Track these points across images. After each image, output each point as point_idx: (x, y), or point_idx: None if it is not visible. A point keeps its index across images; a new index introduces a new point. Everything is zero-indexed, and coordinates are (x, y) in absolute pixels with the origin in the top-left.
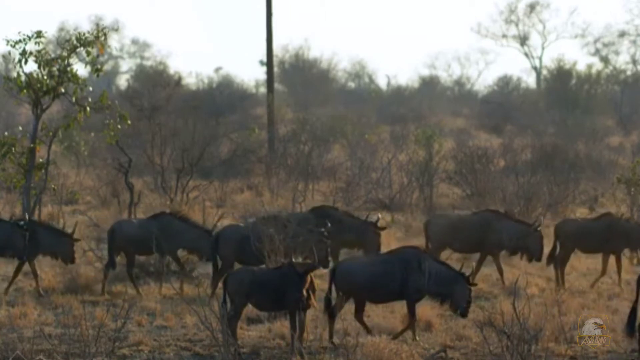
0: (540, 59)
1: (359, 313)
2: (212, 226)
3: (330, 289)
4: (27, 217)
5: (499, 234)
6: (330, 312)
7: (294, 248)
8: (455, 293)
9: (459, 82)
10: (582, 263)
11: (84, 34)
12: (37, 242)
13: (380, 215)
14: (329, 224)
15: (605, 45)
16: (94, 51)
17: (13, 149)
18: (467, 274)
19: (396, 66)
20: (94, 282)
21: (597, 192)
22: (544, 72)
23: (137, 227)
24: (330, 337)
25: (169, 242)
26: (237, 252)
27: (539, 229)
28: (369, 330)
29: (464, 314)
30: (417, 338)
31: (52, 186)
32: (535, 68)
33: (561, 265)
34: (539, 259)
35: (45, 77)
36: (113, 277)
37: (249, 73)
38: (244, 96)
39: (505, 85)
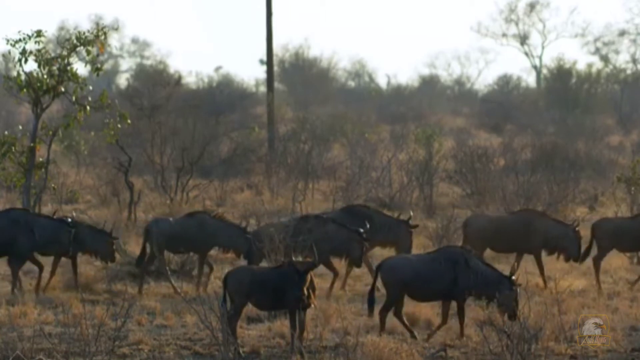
0: (540, 58)
1: (397, 312)
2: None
3: (374, 285)
4: (73, 214)
5: (539, 234)
6: (372, 308)
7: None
8: (499, 295)
9: (459, 81)
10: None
11: (84, 33)
12: (81, 240)
13: (412, 214)
14: (367, 224)
15: (605, 44)
16: (94, 50)
17: (13, 148)
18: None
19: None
20: (94, 281)
21: (597, 191)
22: (544, 71)
23: (173, 225)
24: (411, 333)
25: (205, 240)
26: (275, 249)
27: (577, 229)
28: (411, 332)
29: (511, 317)
30: (463, 337)
31: (52, 185)
32: (535, 67)
33: (597, 265)
34: (576, 259)
35: (45, 76)
36: (113, 276)
37: (249, 72)
38: (244, 95)
39: (505, 84)
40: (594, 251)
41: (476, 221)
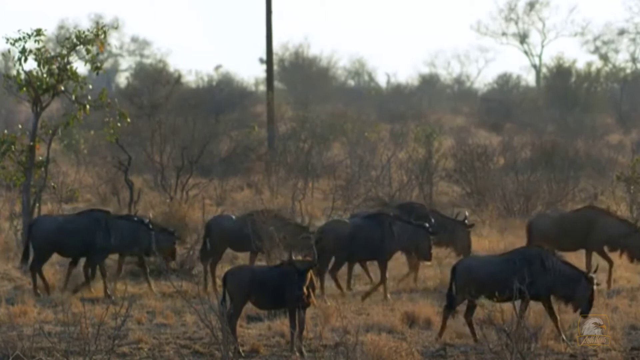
0: (540, 57)
1: (469, 313)
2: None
3: (451, 286)
4: (150, 215)
5: (603, 231)
6: (450, 310)
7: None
8: (577, 293)
9: (458, 80)
10: (582, 262)
11: (84, 32)
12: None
13: (467, 213)
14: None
15: (604, 43)
16: (93, 49)
17: (13, 147)
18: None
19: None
20: (94, 280)
21: (597, 190)
22: (544, 70)
23: (234, 223)
24: (474, 337)
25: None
26: (343, 247)
27: None
28: (475, 337)
29: (585, 315)
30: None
31: (52, 184)
32: (535, 66)
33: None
34: None
35: (45, 75)
36: (113, 274)
37: (249, 71)
38: (244, 94)
39: (505, 83)
40: None
41: (539, 222)
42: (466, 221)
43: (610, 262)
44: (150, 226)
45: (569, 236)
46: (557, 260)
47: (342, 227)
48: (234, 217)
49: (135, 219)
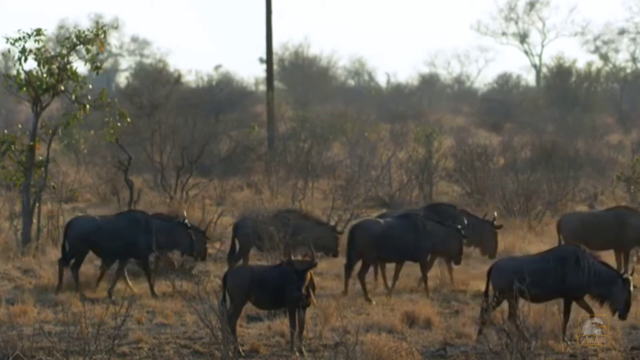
0: (540, 56)
1: (512, 315)
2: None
3: (487, 288)
4: (184, 214)
5: (635, 231)
6: (486, 309)
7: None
8: (613, 294)
9: (458, 80)
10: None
11: (84, 32)
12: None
13: (496, 214)
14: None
15: (605, 43)
16: (93, 49)
17: (13, 146)
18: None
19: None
20: (94, 279)
21: (597, 190)
22: (544, 69)
23: (260, 224)
24: (519, 332)
25: (294, 238)
26: (375, 246)
27: None
28: (522, 333)
29: (622, 317)
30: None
31: (52, 184)
32: (535, 66)
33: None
34: None
35: (45, 75)
36: (112, 274)
37: (249, 71)
38: (244, 94)
39: (505, 83)
40: None
41: (569, 220)
42: (494, 222)
43: (625, 264)
44: (189, 227)
45: (599, 235)
46: (592, 260)
47: (375, 226)
48: (260, 217)
49: (176, 220)
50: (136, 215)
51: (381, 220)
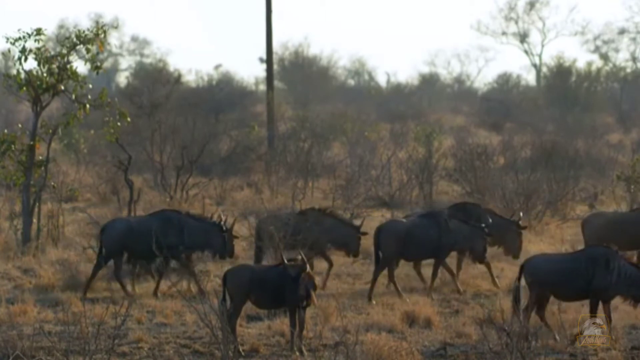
0: (540, 56)
1: (540, 310)
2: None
3: (519, 282)
4: (221, 215)
5: None
6: (518, 306)
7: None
8: None
9: (458, 80)
10: None
11: (84, 32)
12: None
13: (522, 215)
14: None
15: (605, 42)
16: (93, 48)
17: (13, 146)
18: None
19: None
20: (94, 279)
21: (597, 190)
22: (544, 69)
23: (284, 223)
24: (552, 334)
25: (319, 237)
26: (400, 246)
27: None
28: (554, 334)
29: None
30: (612, 337)
31: (52, 183)
32: (535, 65)
33: None
34: None
35: (45, 75)
36: (112, 274)
37: (249, 70)
38: (244, 94)
39: (505, 82)
40: None
41: (595, 220)
42: (520, 222)
43: None
44: (224, 230)
45: (625, 236)
46: (623, 262)
47: (399, 226)
48: (284, 216)
49: (210, 220)
50: (169, 214)
51: (404, 220)
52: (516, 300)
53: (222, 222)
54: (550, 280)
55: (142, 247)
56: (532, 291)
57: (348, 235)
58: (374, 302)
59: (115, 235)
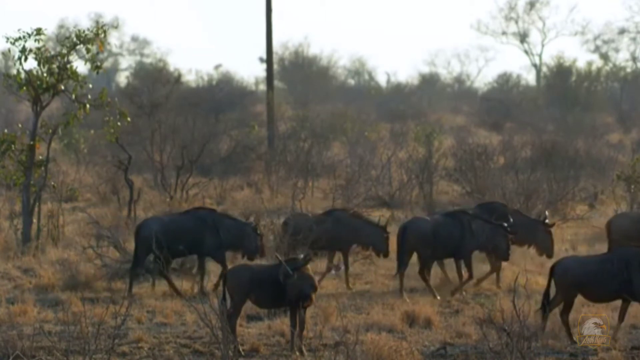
0: (540, 56)
1: (565, 313)
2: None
3: (548, 286)
4: (252, 218)
5: None
6: (546, 309)
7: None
8: None
9: (458, 79)
10: None
11: (84, 32)
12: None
13: (547, 214)
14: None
15: (605, 42)
16: (93, 48)
17: (13, 146)
18: None
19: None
20: (94, 279)
21: (597, 190)
22: (544, 69)
23: (310, 222)
24: (570, 338)
25: (345, 238)
26: (424, 244)
27: None
28: (572, 339)
29: None
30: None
31: (52, 183)
32: (535, 65)
33: None
34: None
35: (45, 75)
36: (112, 274)
37: (249, 70)
38: (244, 93)
39: (505, 82)
40: None
41: (619, 221)
42: (546, 221)
43: None
44: (258, 231)
45: None
46: None
47: (424, 224)
48: (310, 215)
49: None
50: (202, 213)
51: (429, 218)
52: (546, 303)
53: (256, 223)
54: (582, 282)
55: (177, 245)
56: (560, 293)
57: (375, 235)
58: (406, 299)
59: (150, 234)
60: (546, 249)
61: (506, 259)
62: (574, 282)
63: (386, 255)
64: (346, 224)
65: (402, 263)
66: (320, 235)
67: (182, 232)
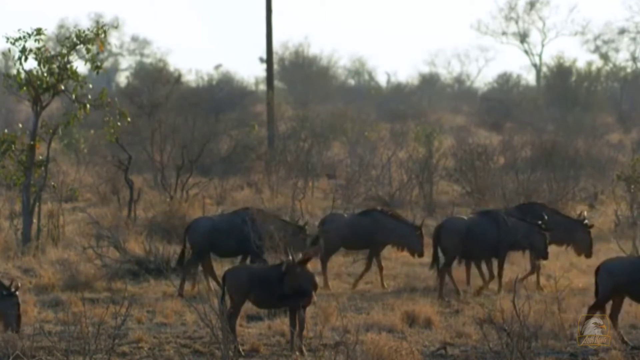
0: (540, 56)
1: (615, 314)
2: None
3: (596, 286)
4: (304, 219)
5: None
6: (594, 310)
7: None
8: None
9: (458, 79)
10: (582, 260)
11: (84, 32)
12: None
13: (585, 214)
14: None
15: (605, 42)
16: (93, 48)
17: (13, 146)
18: None
19: (396, 63)
20: (94, 279)
21: (597, 190)
22: (544, 69)
23: (347, 222)
24: (622, 340)
25: (380, 237)
26: (460, 244)
27: None
28: (623, 340)
29: None
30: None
31: (52, 183)
32: (535, 65)
33: None
34: None
35: (45, 75)
36: (112, 274)
37: (249, 70)
38: (244, 93)
39: (505, 82)
40: None
41: None
42: (586, 221)
43: None
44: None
45: None
46: None
47: (460, 223)
48: (346, 215)
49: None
50: (252, 213)
51: (465, 217)
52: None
53: (305, 225)
54: (631, 282)
55: (227, 245)
56: (605, 293)
57: (411, 235)
58: (446, 299)
59: (201, 234)
60: (585, 249)
61: (545, 257)
62: (624, 282)
63: (421, 255)
64: (382, 224)
65: (438, 262)
66: (356, 235)
67: (233, 231)
